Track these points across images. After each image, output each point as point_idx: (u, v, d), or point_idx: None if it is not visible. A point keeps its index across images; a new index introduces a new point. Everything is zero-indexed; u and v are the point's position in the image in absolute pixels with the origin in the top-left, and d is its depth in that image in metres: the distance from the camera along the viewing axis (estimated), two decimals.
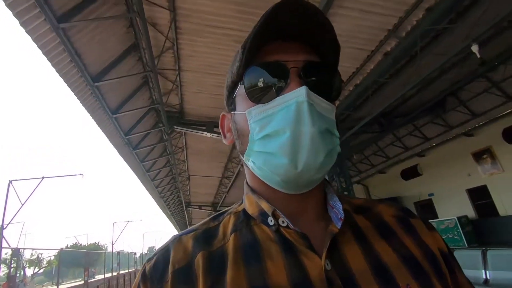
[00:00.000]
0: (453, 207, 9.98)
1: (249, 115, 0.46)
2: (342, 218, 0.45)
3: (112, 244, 20.07)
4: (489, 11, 3.59)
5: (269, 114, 0.44)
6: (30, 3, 2.79)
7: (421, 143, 10.51)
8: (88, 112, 5.17)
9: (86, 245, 42.27)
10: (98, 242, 47.92)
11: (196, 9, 3.74)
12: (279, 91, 0.45)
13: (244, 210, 0.51)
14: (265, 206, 0.47)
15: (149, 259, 0.48)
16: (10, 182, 9.50)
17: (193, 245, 0.47)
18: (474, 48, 4.17)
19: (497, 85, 7.55)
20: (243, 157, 0.49)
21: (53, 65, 3.78)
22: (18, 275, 14.21)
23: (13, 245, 14.20)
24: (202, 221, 0.53)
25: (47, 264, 31.98)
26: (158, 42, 4.31)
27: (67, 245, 39.69)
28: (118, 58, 4.44)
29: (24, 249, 11.47)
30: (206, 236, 0.48)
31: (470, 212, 9.52)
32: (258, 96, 0.46)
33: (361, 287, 0.39)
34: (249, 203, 0.51)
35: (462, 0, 3.73)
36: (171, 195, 14.34)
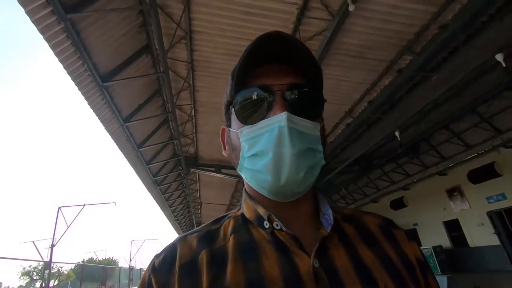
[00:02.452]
0: (433, 237, 11.21)
1: (241, 134, 0.51)
2: (332, 223, 0.51)
3: (130, 261, 21.69)
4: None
5: (257, 135, 0.50)
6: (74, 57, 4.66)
7: (404, 178, 11.90)
8: (119, 147, 6.44)
9: (102, 260, 44.06)
10: (112, 257, 49.60)
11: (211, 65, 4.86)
12: (266, 112, 0.50)
13: (242, 215, 0.56)
14: (261, 211, 0.52)
15: (158, 255, 0.53)
16: (59, 208, 11.51)
17: (197, 243, 0.52)
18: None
19: (458, 135, 9.03)
20: (236, 170, 0.55)
21: (93, 111, 4.72)
22: (44, 285, 15.91)
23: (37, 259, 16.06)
24: (204, 224, 0.59)
25: (65, 277, 33.69)
26: (182, 117, 6.17)
27: (83, 259, 41.61)
28: (144, 102, 5.45)
29: (55, 262, 13.27)
30: (208, 237, 0.53)
31: (447, 242, 10.73)
32: (246, 117, 0.52)
33: (345, 283, 0.44)
34: (247, 208, 0.56)
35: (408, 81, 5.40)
36: (184, 218, 16.08)
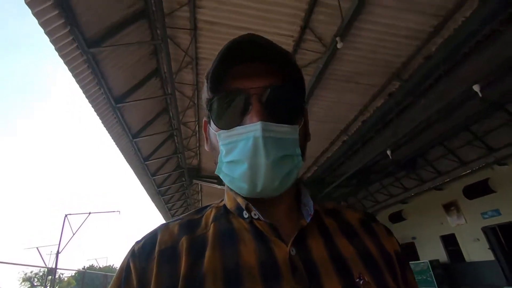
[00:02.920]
0: (431, 251, 11.35)
1: (219, 137, 0.51)
2: (312, 214, 0.52)
3: None
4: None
5: (233, 141, 0.49)
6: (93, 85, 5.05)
7: (402, 192, 12.11)
8: (127, 161, 6.78)
9: (102, 267, 44.06)
10: (113, 264, 49.55)
11: None
12: (243, 116, 0.50)
13: (224, 205, 0.57)
14: (240, 200, 0.53)
15: (138, 241, 0.53)
16: (66, 216, 11.85)
17: (178, 230, 0.52)
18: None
19: (453, 152, 9.30)
20: (216, 173, 0.54)
21: (106, 129, 5.37)
22: None
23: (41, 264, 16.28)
24: (187, 213, 0.59)
25: (66, 284, 33.70)
26: (187, 132, 6.55)
27: (84, 266, 41.61)
28: (151, 120, 5.85)
29: (59, 269, 13.49)
30: (190, 225, 0.54)
31: (444, 257, 10.85)
32: (223, 121, 0.51)
33: (320, 272, 0.45)
34: (228, 199, 0.57)
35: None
36: None
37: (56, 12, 2.75)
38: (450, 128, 8.09)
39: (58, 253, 11.08)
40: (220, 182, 8.77)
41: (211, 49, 4.38)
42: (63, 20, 2.84)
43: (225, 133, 0.50)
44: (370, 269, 0.48)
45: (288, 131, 0.49)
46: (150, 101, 5.06)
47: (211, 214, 0.56)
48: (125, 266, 0.49)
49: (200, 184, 9.95)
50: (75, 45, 3.14)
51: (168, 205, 10.37)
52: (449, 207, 10.56)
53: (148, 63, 4.47)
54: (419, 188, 11.36)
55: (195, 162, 8.35)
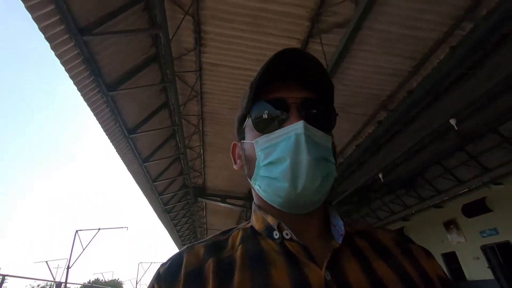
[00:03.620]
0: None
1: (256, 144, 0.53)
2: (343, 234, 0.50)
3: (136, 283, 22.03)
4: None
5: (273, 144, 0.50)
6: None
7: (403, 210, 12.29)
8: (137, 182, 7.45)
9: (107, 281, 44.08)
10: (118, 279, 49.48)
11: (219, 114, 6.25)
12: (282, 123, 0.52)
13: (251, 227, 0.56)
14: (271, 220, 0.52)
15: (164, 263, 0.52)
16: (77, 231, 12.34)
17: (204, 252, 0.51)
18: None
19: (450, 171, 9.56)
20: (250, 181, 0.56)
21: (120, 156, 6.22)
22: None
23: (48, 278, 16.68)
24: (212, 235, 0.58)
25: None
26: (192, 155, 7.02)
27: (90, 280, 41.73)
28: (160, 145, 6.56)
29: (68, 283, 13.83)
30: (216, 246, 0.52)
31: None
32: (263, 127, 0.53)
33: None
34: (256, 220, 0.56)
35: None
36: (190, 243, 16.66)
37: (83, 67, 3.29)
38: (445, 149, 8.45)
39: (68, 267, 11.46)
40: (223, 200, 9.18)
41: (214, 85, 4.90)
42: (88, 72, 3.38)
43: (264, 138, 0.52)
44: None
45: (324, 138, 0.52)
46: (159, 130, 5.57)
47: (238, 235, 0.55)
48: None
49: (205, 202, 10.36)
50: (97, 90, 3.67)
51: (174, 221, 10.78)
52: (449, 225, 10.71)
53: (158, 98, 5.00)
54: (419, 206, 11.55)
55: (200, 181, 8.79)
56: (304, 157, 0.47)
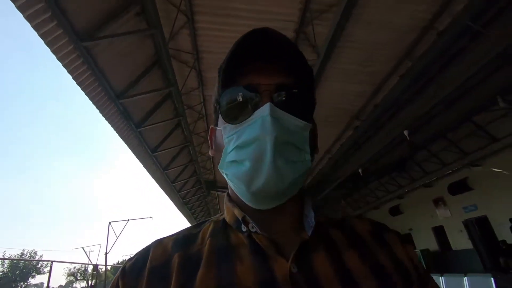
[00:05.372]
0: (425, 241, 12.69)
1: (224, 131, 0.50)
2: (313, 225, 0.48)
3: None
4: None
5: (240, 129, 0.48)
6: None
7: (397, 189, 13.44)
8: (161, 187, 9.10)
9: None
10: None
11: None
12: (252, 112, 0.48)
13: (223, 219, 0.55)
14: (237, 212, 0.51)
15: (131, 258, 0.51)
16: (110, 223, 14.21)
17: (172, 246, 0.50)
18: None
19: (435, 155, 10.56)
20: (218, 169, 0.53)
21: (148, 172, 7.80)
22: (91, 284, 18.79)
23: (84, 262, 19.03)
24: (184, 228, 0.56)
25: (103, 278, 37.46)
26: (203, 158, 8.33)
27: (118, 261, 45.58)
28: (178, 152, 8.17)
29: (101, 265, 15.96)
30: (185, 240, 0.51)
31: (435, 246, 12.19)
32: (232, 116, 0.49)
33: None
34: (227, 212, 0.55)
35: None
36: None
37: (114, 110, 4.53)
38: (429, 135, 9.45)
39: (106, 253, 13.40)
40: None
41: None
42: (120, 117, 4.62)
43: (232, 126, 0.49)
44: (382, 285, 0.44)
45: (297, 124, 0.48)
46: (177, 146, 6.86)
47: (208, 228, 0.54)
48: (115, 286, 0.48)
49: (217, 193, 11.84)
50: (125, 122, 4.93)
51: (191, 210, 12.39)
52: (438, 202, 11.84)
53: (173, 123, 6.24)
54: (411, 186, 12.67)
55: (211, 177, 10.20)
56: (269, 138, 0.44)
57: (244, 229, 0.49)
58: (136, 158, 6.30)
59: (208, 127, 6.75)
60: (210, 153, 0.61)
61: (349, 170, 8.34)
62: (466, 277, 4.55)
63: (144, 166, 6.44)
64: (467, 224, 10.50)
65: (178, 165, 7.69)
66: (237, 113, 0.49)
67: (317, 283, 0.42)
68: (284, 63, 0.51)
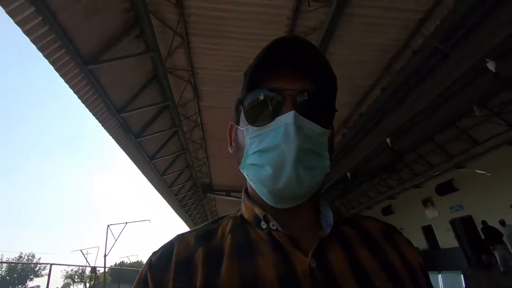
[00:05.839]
0: (415, 240, 13.10)
1: (246, 132, 0.52)
2: (331, 224, 0.51)
3: None
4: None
5: (263, 133, 0.49)
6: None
7: (388, 190, 13.86)
8: (159, 192, 9.46)
9: (132, 262, 48.08)
10: (141, 260, 53.63)
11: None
12: (275, 115, 0.49)
13: (241, 215, 0.57)
14: (258, 211, 0.53)
15: (155, 252, 0.53)
16: (108, 226, 14.46)
17: (194, 241, 0.52)
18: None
19: (423, 157, 10.99)
20: (239, 168, 0.55)
21: (147, 179, 8.15)
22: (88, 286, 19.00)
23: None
24: (204, 224, 0.59)
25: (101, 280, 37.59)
26: (199, 163, 8.66)
27: (116, 263, 45.65)
28: (174, 159, 8.58)
29: (100, 267, 16.18)
30: (206, 235, 0.53)
31: (425, 245, 12.63)
32: (255, 118, 0.51)
33: (341, 284, 0.44)
34: (245, 209, 0.56)
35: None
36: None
37: (115, 122, 4.84)
38: (416, 139, 9.88)
39: (105, 255, 13.65)
40: (228, 194, 10.93)
41: (211, 120, 6.42)
42: (115, 122, 4.94)
43: (254, 128, 0.51)
44: (393, 282, 0.46)
45: (318, 132, 0.50)
46: (174, 154, 7.18)
47: (228, 224, 0.56)
48: (143, 277, 0.50)
49: (213, 196, 12.16)
50: (125, 134, 5.25)
51: (188, 213, 12.69)
52: (426, 202, 12.27)
53: (170, 132, 6.56)
54: (401, 187, 13.10)
55: (207, 181, 10.52)
56: (292, 146, 0.46)
57: (264, 226, 0.51)
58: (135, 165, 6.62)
59: (203, 135, 7.10)
60: (229, 150, 0.63)
61: (339, 173, 8.72)
62: (440, 275, 4.93)
63: (142, 172, 6.76)
64: (453, 223, 10.94)
65: (175, 170, 8.01)
66: (260, 116, 0.51)
67: (334, 278, 0.45)
68: (310, 70, 0.53)
